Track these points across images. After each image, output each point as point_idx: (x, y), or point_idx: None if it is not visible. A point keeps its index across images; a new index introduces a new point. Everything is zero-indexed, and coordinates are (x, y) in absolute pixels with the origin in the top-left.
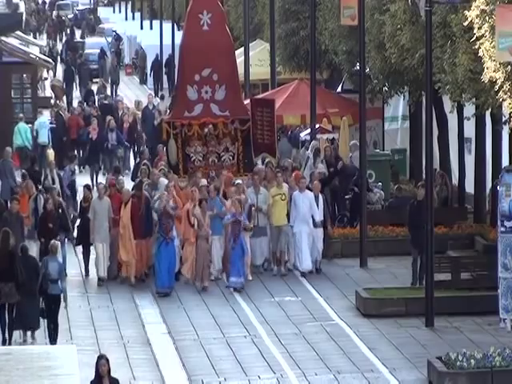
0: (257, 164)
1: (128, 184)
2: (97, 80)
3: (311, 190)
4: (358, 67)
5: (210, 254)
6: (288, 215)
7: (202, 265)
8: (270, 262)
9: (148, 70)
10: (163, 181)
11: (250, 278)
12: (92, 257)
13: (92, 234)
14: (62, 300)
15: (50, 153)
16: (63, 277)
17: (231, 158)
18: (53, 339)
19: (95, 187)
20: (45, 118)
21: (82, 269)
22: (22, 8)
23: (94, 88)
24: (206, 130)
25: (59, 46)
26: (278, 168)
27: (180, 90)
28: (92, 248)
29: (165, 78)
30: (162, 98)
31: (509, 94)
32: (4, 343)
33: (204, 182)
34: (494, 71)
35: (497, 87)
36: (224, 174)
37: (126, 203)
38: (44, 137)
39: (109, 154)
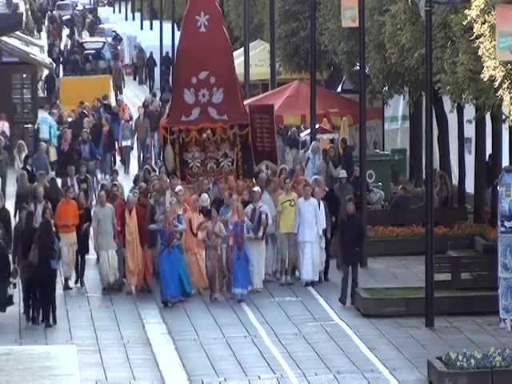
0: (261, 170)
1: (127, 187)
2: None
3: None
4: (358, 67)
5: (221, 263)
6: None
7: (213, 275)
8: (276, 271)
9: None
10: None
11: (260, 288)
12: (89, 264)
13: (96, 241)
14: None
15: (52, 151)
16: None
17: (230, 163)
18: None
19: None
20: (46, 114)
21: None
22: (22, 8)
23: None
24: (204, 135)
25: (60, 47)
26: (286, 174)
27: (177, 93)
28: (87, 257)
29: (157, 76)
30: (155, 95)
31: (508, 91)
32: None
33: (205, 196)
34: (494, 69)
35: (496, 84)
36: (231, 179)
37: (131, 211)
38: (45, 133)
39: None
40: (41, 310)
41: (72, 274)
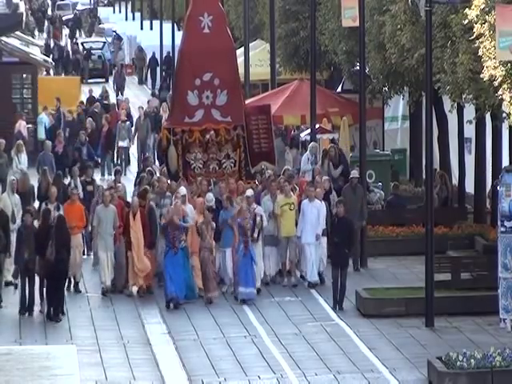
0: (263, 171)
1: (130, 189)
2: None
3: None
4: (358, 67)
5: (215, 265)
6: (297, 224)
7: (207, 276)
8: (279, 273)
9: (145, 68)
10: (182, 189)
11: (259, 287)
12: (90, 264)
13: (95, 242)
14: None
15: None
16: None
17: (232, 165)
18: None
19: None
20: (43, 114)
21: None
22: (22, 8)
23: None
24: (207, 136)
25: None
26: (284, 176)
27: (179, 95)
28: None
29: (158, 76)
30: (154, 94)
31: (508, 91)
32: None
33: (210, 196)
34: (494, 69)
35: (496, 84)
36: (231, 182)
37: (135, 214)
38: (42, 133)
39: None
40: (46, 305)
41: (79, 276)
